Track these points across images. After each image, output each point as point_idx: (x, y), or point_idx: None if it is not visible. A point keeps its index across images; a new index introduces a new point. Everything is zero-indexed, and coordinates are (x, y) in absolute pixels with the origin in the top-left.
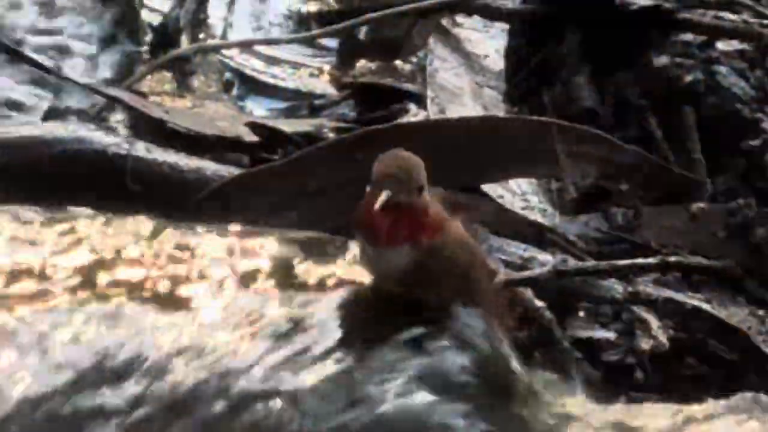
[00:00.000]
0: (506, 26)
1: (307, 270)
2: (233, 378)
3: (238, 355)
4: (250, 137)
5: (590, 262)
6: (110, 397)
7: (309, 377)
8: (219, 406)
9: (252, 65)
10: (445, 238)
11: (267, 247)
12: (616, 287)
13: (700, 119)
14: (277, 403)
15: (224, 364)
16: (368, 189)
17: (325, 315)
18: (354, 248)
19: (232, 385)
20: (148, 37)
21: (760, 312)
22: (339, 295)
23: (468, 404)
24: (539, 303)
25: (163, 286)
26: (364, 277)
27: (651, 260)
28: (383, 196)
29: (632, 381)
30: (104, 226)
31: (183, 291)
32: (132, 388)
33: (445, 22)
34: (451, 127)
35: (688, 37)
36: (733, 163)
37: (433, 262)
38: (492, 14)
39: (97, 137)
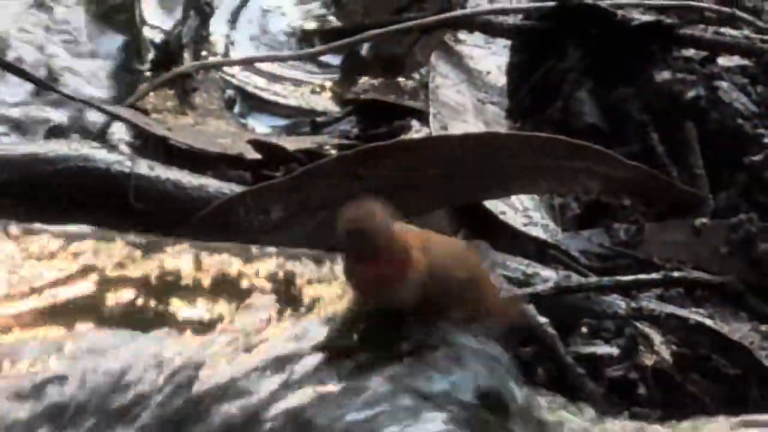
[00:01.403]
0: (508, 42)
1: (307, 287)
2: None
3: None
4: (252, 154)
5: (593, 278)
6: None
7: (308, 393)
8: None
9: (254, 82)
10: (435, 264)
11: (266, 264)
12: (619, 303)
13: (701, 134)
14: (278, 421)
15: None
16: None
17: (324, 333)
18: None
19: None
20: (151, 55)
21: (763, 327)
22: (338, 313)
23: (465, 420)
24: (542, 319)
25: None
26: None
27: (654, 276)
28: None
29: (635, 396)
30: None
31: (180, 309)
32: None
33: (447, 38)
34: (454, 144)
35: (690, 52)
36: (735, 179)
37: (428, 292)
38: (494, 31)
39: (100, 155)
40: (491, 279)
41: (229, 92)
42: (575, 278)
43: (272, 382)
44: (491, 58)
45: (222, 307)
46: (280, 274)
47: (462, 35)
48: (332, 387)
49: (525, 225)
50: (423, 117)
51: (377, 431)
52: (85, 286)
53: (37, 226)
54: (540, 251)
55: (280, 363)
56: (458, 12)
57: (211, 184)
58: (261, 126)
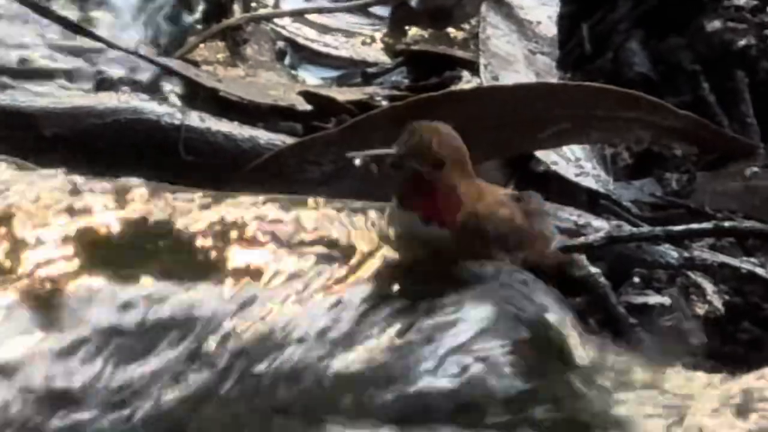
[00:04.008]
0: None
1: (354, 236)
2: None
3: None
4: (303, 106)
5: (645, 228)
6: None
7: (359, 347)
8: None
9: (304, 34)
10: (480, 216)
11: (313, 216)
12: (671, 252)
13: (752, 83)
14: (328, 375)
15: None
16: None
17: (370, 283)
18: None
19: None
20: (201, 7)
21: None
22: (385, 262)
23: (519, 369)
24: (594, 269)
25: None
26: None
27: (705, 225)
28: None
29: (687, 346)
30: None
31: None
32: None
33: None
34: (505, 95)
35: (741, 1)
36: None
37: (465, 243)
38: None
39: (150, 107)
40: (544, 230)
41: (280, 44)
42: (627, 228)
43: (319, 332)
44: (542, 8)
45: (272, 256)
46: (329, 224)
47: None
48: (381, 337)
49: (577, 175)
50: (474, 68)
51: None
52: (138, 238)
53: (88, 178)
54: (592, 201)
55: (329, 310)
56: None
57: (262, 135)
58: (312, 77)
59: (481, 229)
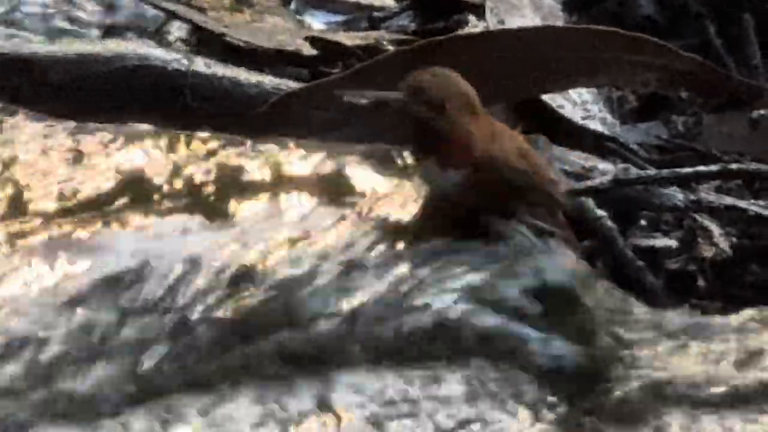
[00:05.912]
0: None
1: (361, 181)
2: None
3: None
4: (310, 51)
5: (651, 171)
6: None
7: (374, 287)
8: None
9: None
10: (493, 159)
11: (323, 160)
12: (678, 195)
13: (758, 26)
14: (339, 316)
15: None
16: None
17: (380, 227)
18: (407, 159)
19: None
20: None
21: None
22: (398, 208)
23: (532, 313)
24: (601, 212)
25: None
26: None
27: (712, 167)
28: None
29: (694, 288)
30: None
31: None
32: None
33: None
34: (511, 38)
35: None
36: None
37: (482, 184)
38: None
39: (157, 53)
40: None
41: None
42: (634, 171)
43: (330, 272)
44: None
45: (279, 202)
46: (336, 170)
47: None
48: (397, 278)
49: (583, 118)
50: (480, 11)
51: None
52: (145, 184)
53: (95, 125)
54: (598, 144)
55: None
56: None
57: (269, 81)
58: (318, 22)
59: (498, 171)
